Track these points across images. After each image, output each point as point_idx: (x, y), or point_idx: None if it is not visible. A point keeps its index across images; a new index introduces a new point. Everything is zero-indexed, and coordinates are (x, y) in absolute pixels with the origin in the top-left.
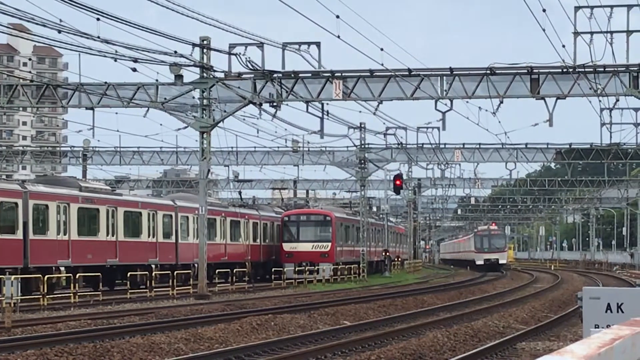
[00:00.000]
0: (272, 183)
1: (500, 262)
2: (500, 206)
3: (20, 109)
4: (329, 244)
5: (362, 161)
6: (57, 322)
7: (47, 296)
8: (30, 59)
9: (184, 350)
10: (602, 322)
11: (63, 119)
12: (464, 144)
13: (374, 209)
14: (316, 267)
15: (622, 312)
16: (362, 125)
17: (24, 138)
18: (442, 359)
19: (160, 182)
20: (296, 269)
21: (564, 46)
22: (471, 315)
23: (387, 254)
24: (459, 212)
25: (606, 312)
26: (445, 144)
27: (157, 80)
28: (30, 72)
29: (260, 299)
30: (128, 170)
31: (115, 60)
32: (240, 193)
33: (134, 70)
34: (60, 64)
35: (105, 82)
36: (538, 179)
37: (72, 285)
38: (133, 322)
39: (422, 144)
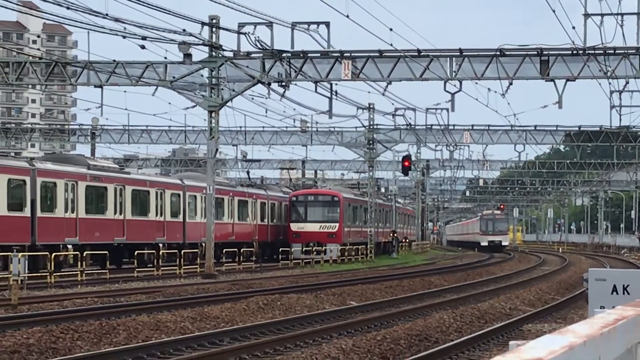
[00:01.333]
0: (281, 163)
1: (503, 243)
2: (508, 188)
3: (29, 86)
4: (337, 224)
5: (371, 142)
6: (64, 300)
7: (54, 274)
8: (39, 37)
9: (190, 329)
10: (608, 304)
11: (72, 96)
12: (472, 126)
13: (382, 190)
14: (323, 248)
15: (628, 293)
16: (371, 106)
17: (33, 116)
18: (447, 340)
19: (169, 161)
20: (303, 249)
21: (574, 28)
22: (478, 296)
23: (395, 235)
24: (467, 193)
25: (612, 293)
26: (454, 126)
27: (165, 58)
28: (39, 49)
29: (267, 278)
30: (136, 149)
31: (124, 38)
32: (248, 173)
33: (143, 47)
34: (69, 41)
35: (114, 60)
36: (547, 161)
37: (79, 263)
38: (139, 301)
39: (431, 125)
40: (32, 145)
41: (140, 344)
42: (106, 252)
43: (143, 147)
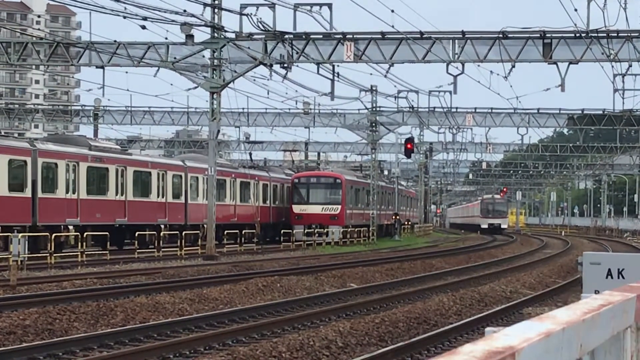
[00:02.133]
0: (284, 145)
1: (502, 226)
2: (511, 171)
3: (33, 67)
4: (339, 206)
5: (373, 124)
6: (63, 281)
7: (55, 255)
8: (42, 17)
9: (188, 311)
10: (603, 288)
11: (75, 78)
12: (475, 109)
13: (385, 172)
14: (325, 230)
15: (623, 277)
16: (374, 88)
17: (37, 97)
18: (447, 323)
19: (172, 142)
20: (305, 231)
21: (576, 10)
22: (479, 279)
23: (397, 217)
24: (471, 176)
25: (607, 277)
26: (457, 108)
27: (166, 39)
28: (43, 30)
29: (268, 260)
30: (139, 130)
31: (125, 18)
32: (250, 154)
33: (144, 27)
34: (73, 22)
35: (115, 41)
36: (550, 144)
37: (79, 244)
38: (139, 282)
39: (434, 107)
40: (36, 127)
41: (137, 326)
42: (107, 233)
43: (145, 128)
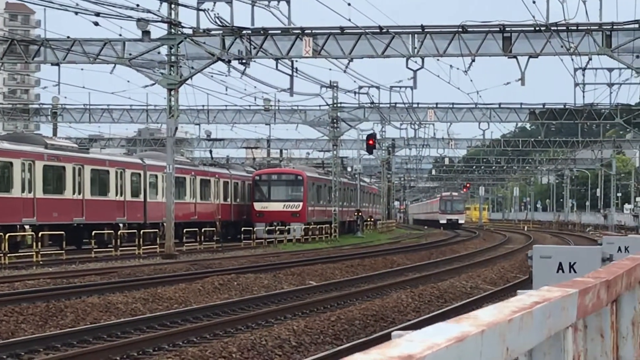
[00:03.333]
0: (246, 142)
1: (460, 222)
2: (474, 167)
3: None
4: (301, 203)
5: (335, 120)
6: (15, 282)
7: (10, 255)
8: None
9: (141, 311)
10: (553, 283)
11: (35, 76)
12: (437, 104)
13: (349, 169)
14: (287, 227)
15: (575, 272)
16: (335, 84)
17: None
18: (404, 320)
19: (134, 140)
20: (267, 229)
21: (534, 2)
22: (439, 275)
23: (360, 214)
24: (434, 172)
25: (558, 272)
26: (418, 104)
27: (120, 35)
28: (2, 29)
29: (228, 258)
30: (98, 129)
31: (77, 14)
32: (211, 152)
33: (96, 24)
34: (33, 20)
35: (68, 37)
36: (512, 139)
37: (34, 244)
38: (92, 282)
39: (395, 103)
40: None
41: (87, 327)
42: (62, 232)
43: (104, 126)
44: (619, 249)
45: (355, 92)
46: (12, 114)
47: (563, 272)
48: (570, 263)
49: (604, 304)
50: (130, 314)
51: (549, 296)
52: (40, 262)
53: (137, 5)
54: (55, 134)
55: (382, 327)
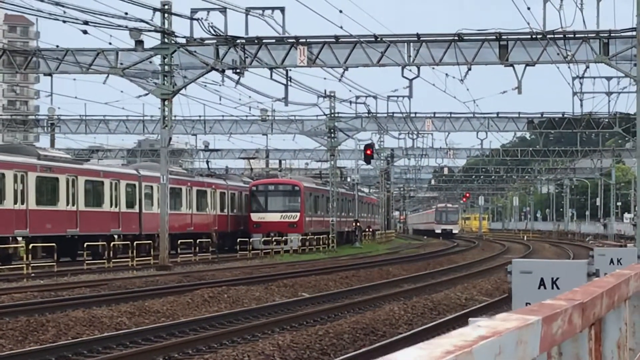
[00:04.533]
0: (244, 152)
1: (454, 231)
2: (474, 176)
3: None
4: (298, 214)
5: (332, 130)
6: (1, 295)
7: (1, 267)
8: None
9: (126, 325)
10: (534, 300)
11: (34, 88)
12: (434, 113)
13: (349, 179)
14: (284, 238)
15: (558, 288)
16: (332, 94)
17: None
18: (395, 334)
19: (133, 151)
20: (264, 239)
21: (529, 8)
22: (435, 286)
23: (358, 224)
24: (433, 182)
25: (539, 288)
26: (415, 113)
27: (110, 44)
28: (0, 41)
29: (222, 270)
30: (93, 139)
31: (65, 22)
32: (207, 162)
33: (85, 32)
34: (31, 32)
35: (57, 46)
36: (511, 149)
37: (25, 256)
38: (80, 295)
39: (393, 112)
40: None
41: (68, 342)
42: (54, 244)
43: (100, 137)
44: (611, 261)
45: (351, 102)
46: (11, 125)
47: (545, 288)
48: (552, 279)
49: (577, 329)
50: (114, 329)
51: (502, 327)
52: (32, 275)
53: (126, 13)
54: (53, 145)
55: (372, 340)
